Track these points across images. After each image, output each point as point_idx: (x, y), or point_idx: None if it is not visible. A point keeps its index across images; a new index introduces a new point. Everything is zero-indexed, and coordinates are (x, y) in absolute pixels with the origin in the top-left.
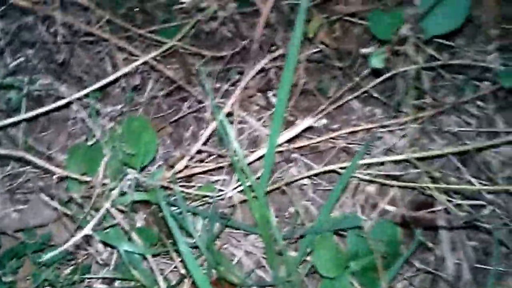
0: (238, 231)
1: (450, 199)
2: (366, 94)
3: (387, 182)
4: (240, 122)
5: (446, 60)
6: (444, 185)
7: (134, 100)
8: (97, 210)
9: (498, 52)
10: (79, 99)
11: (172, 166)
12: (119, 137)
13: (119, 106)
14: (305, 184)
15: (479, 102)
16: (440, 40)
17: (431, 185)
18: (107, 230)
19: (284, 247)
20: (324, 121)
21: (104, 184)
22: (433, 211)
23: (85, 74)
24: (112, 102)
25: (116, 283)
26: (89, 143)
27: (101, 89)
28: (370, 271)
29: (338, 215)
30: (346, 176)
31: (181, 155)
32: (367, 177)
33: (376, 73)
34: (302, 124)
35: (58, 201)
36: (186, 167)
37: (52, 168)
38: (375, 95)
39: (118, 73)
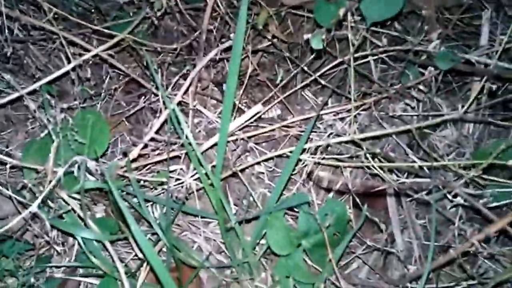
0: (198, 219)
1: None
2: (319, 86)
3: (336, 163)
4: (196, 116)
5: (387, 46)
6: (387, 164)
7: (91, 96)
8: (52, 200)
9: (439, 40)
10: (32, 93)
11: (126, 154)
12: (71, 128)
13: (76, 102)
14: (262, 172)
15: (422, 87)
16: (385, 30)
17: (375, 164)
18: (65, 219)
19: (240, 231)
20: (278, 111)
21: (55, 172)
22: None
23: (39, 71)
24: (69, 100)
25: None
26: (42, 135)
27: (54, 83)
28: (321, 248)
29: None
30: (294, 157)
31: (135, 144)
32: (317, 160)
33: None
34: (251, 110)
35: (11, 190)
36: (141, 156)
37: (5, 158)
38: (325, 83)
39: (69, 66)
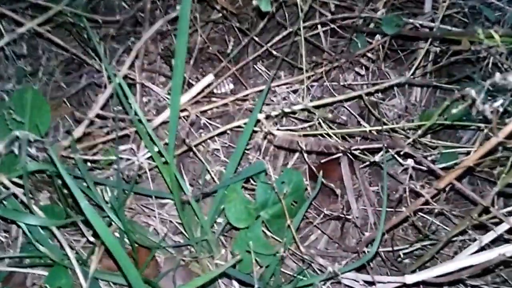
0: (152, 201)
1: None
2: (272, 59)
3: (292, 133)
4: (145, 94)
5: (334, 14)
6: (339, 130)
7: (27, 76)
8: None
9: (385, 8)
10: None
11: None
12: (8, 107)
13: (12, 83)
14: (217, 149)
15: (371, 55)
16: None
17: (329, 131)
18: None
19: (197, 207)
20: (231, 85)
21: None
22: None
23: None
24: (4, 81)
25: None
26: None
27: None
28: (279, 219)
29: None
30: (248, 129)
31: (80, 120)
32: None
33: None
34: (203, 81)
35: None
36: (87, 135)
37: None
38: (276, 53)
39: (2, 41)
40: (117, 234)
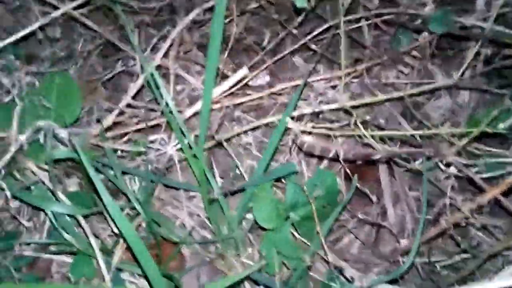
0: (181, 192)
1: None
2: (310, 53)
3: (326, 132)
4: (179, 82)
5: (379, 8)
6: (378, 132)
7: (62, 59)
8: (19, 170)
9: (434, 4)
10: None
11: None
12: (37, 92)
13: (46, 66)
14: (249, 143)
15: (416, 53)
16: None
17: (366, 132)
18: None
19: (224, 204)
20: (267, 78)
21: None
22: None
23: (4, 32)
24: (39, 64)
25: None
26: (5, 99)
27: (21, 45)
28: (309, 221)
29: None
30: (281, 126)
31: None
32: (307, 129)
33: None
34: (237, 74)
35: None
36: (118, 124)
37: None
38: (314, 47)
39: (36, 24)
40: (144, 224)
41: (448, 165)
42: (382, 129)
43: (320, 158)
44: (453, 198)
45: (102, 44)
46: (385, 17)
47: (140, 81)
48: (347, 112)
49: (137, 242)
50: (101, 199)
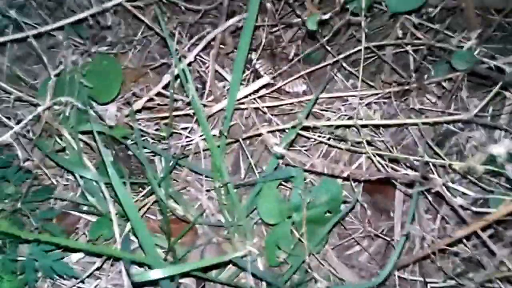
0: (206, 178)
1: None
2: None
3: (334, 144)
4: (220, 79)
5: (429, 41)
6: (387, 153)
7: (124, 45)
8: (50, 136)
9: (476, 40)
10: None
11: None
12: (79, 71)
13: (104, 48)
14: (276, 144)
15: (446, 85)
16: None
17: (373, 151)
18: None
19: (234, 194)
20: (304, 86)
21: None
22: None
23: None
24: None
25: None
26: (55, 72)
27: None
28: (310, 224)
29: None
30: (292, 131)
31: (141, 96)
32: (319, 138)
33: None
34: (258, 82)
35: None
36: (149, 109)
37: (8, 88)
38: (348, 67)
39: (89, 12)
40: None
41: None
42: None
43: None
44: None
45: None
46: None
47: (170, 75)
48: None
49: (135, 217)
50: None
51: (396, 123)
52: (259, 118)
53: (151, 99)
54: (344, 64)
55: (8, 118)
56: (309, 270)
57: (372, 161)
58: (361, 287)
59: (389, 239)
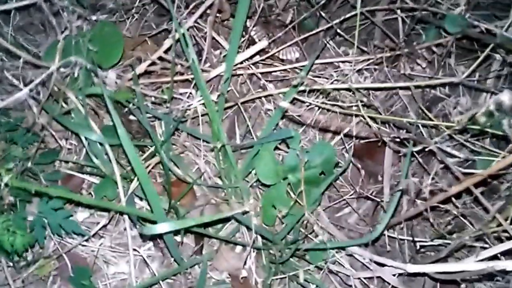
0: (202, 142)
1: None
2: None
3: (330, 108)
4: (217, 47)
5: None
6: (380, 116)
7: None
8: (57, 99)
9: (465, 6)
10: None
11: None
12: (84, 35)
13: (97, 15)
14: (269, 109)
15: (436, 49)
16: None
17: (364, 113)
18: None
19: (232, 156)
20: (297, 54)
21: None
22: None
23: None
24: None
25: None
26: (61, 37)
27: None
28: (305, 184)
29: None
30: (289, 94)
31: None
32: (314, 103)
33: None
34: (255, 46)
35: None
36: (151, 73)
37: (19, 52)
38: (342, 33)
39: None
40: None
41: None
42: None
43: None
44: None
45: (158, 3)
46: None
47: (171, 39)
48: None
49: (143, 174)
50: (132, 134)
51: (389, 87)
52: (253, 85)
53: (152, 63)
54: (338, 30)
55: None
56: (302, 230)
57: (367, 123)
58: (357, 242)
59: (378, 200)
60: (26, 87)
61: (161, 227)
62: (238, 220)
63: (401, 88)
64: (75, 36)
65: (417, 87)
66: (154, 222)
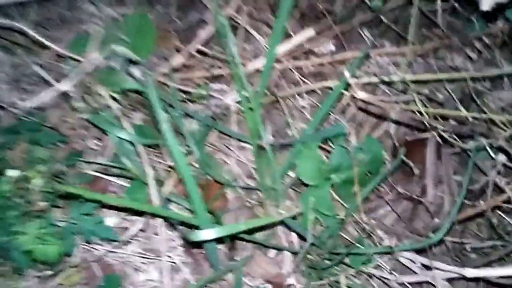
0: (234, 142)
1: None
2: (381, 27)
3: (381, 104)
4: (249, 41)
5: None
6: (433, 110)
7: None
8: (92, 95)
9: None
10: None
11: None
12: (119, 26)
13: (130, 8)
14: (304, 106)
15: (486, 40)
16: None
17: (421, 107)
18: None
19: (272, 155)
20: (332, 47)
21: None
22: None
23: None
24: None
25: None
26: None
27: None
28: (349, 185)
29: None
30: (336, 91)
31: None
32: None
33: None
34: (300, 34)
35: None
36: (186, 67)
37: (48, 43)
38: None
39: None
40: (196, 165)
41: (498, 149)
42: (440, 104)
43: (371, 129)
44: (498, 179)
45: None
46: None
47: (210, 28)
48: (405, 89)
49: (188, 175)
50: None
51: (445, 78)
52: (286, 80)
53: (191, 56)
54: (385, 19)
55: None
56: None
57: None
58: (416, 246)
59: (421, 201)
60: (58, 83)
61: (207, 233)
62: (286, 224)
63: (453, 80)
64: (107, 27)
65: (474, 79)
66: (195, 227)
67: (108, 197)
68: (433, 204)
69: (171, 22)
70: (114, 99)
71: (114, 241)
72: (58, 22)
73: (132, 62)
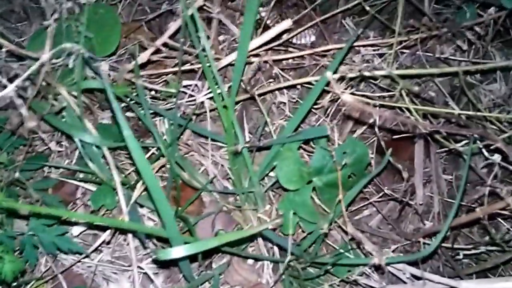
0: (209, 141)
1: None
2: (363, 17)
3: (364, 100)
4: (223, 32)
5: None
6: (423, 107)
7: None
8: (45, 97)
9: None
10: None
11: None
12: (77, 19)
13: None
14: (283, 102)
15: (478, 30)
16: None
17: (410, 105)
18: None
19: (248, 158)
20: (313, 38)
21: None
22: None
23: None
24: None
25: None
26: (50, 21)
27: None
28: (332, 188)
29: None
30: (318, 87)
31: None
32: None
33: None
34: (277, 27)
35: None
36: (153, 62)
37: (1, 41)
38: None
39: None
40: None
41: (495, 151)
42: (432, 102)
43: (354, 126)
44: (494, 187)
45: None
46: None
47: (179, 21)
48: (393, 82)
49: (155, 185)
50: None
51: (435, 72)
52: (264, 74)
53: (157, 51)
54: (368, 8)
55: None
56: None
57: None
58: (407, 258)
59: (410, 202)
60: (11, 83)
61: (178, 251)
62: (264, 236)
63: (443, 74)
64: (66, 21)
65: (466, 72)
66: (165, 240)
67: (67, 213)
68: (422, 206)
69: (143, 13)
70: (76, 98)
71: (80, 253)
72: (22, 15)
73: (92, 58)
